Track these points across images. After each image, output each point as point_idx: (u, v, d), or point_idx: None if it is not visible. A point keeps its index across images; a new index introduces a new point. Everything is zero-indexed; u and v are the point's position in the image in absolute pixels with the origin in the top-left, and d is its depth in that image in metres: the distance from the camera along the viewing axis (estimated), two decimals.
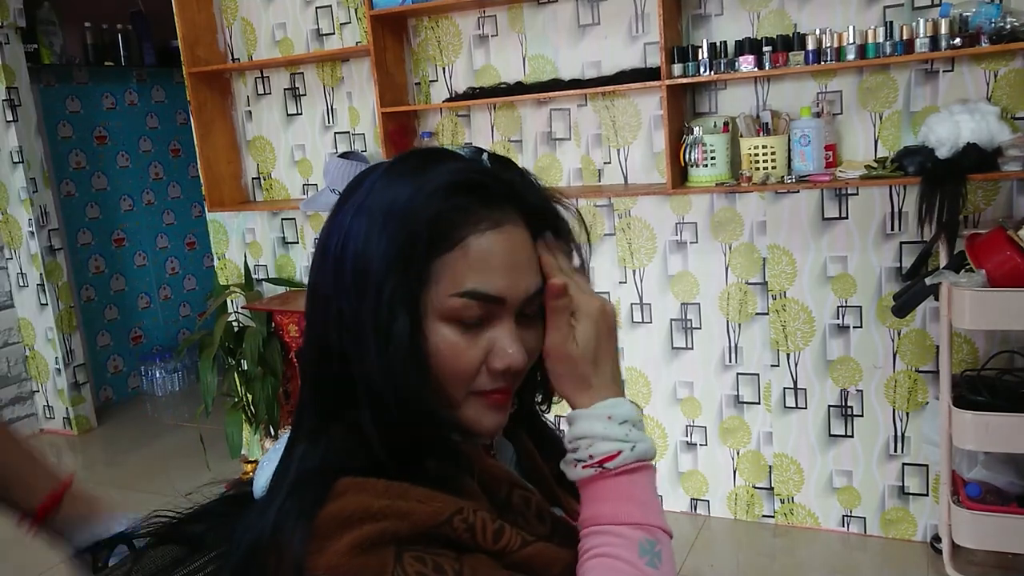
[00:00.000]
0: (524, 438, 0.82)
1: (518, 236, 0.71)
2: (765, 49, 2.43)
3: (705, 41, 2.51)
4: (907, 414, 2.69)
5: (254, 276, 3.61)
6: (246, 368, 3.28)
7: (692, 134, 2.59)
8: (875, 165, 2.43)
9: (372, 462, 0.67)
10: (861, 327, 2.69)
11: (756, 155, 2.53)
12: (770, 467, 2.92)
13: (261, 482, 0.72)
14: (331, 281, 0.69)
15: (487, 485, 0.70)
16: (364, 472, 0.66)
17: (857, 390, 2.74)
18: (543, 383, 0.80)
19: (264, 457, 0.75)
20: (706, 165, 2.58)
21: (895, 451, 2.73)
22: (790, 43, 2.42)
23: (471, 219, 0.68)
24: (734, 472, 2.97)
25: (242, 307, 3.45)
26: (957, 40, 2.20)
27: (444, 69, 3.07)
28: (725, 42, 2.55)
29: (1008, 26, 2.15)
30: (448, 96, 3.05)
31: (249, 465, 3.48)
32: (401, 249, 0.66)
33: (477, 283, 0.68)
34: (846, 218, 2.63)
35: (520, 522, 0.69)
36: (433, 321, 0.68)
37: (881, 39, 2.31)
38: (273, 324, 3.32)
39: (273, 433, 3.31)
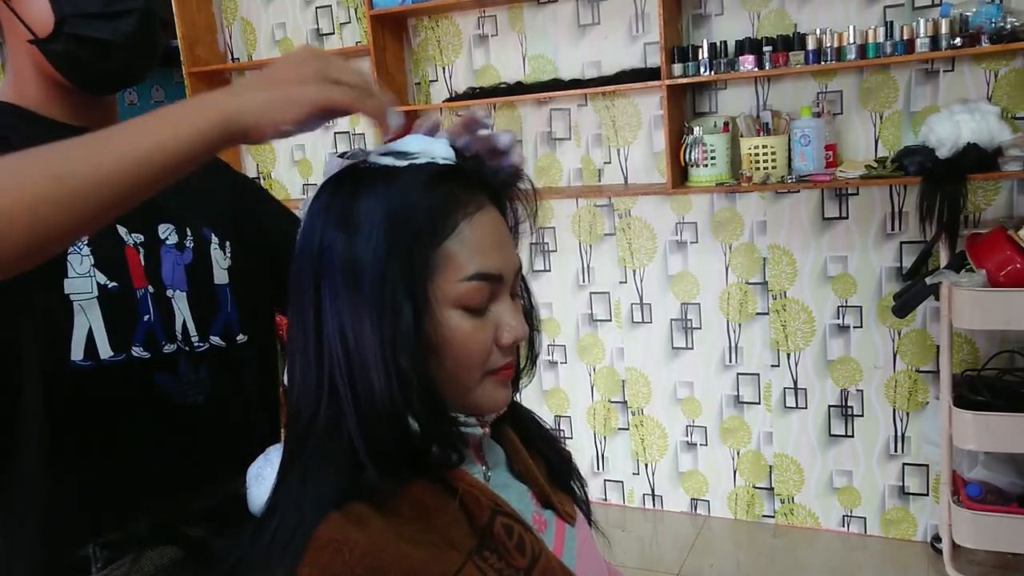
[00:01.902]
0: (512, 438, 0.82)
1: (496, 215, 0.74)
2: (765, 49, 2.43)
3: (705, 41, 2.51)
4: (907, 414, 2.69)
5: None
6: None
7: (692, 134, 2.58)
8: (875, 165, 2.42)
9: (357, 483, 0.66)
10: (861, 327, 2.69)
11: (756, 155, 2.53)
12: (770, 467, 2.91)
13: (255, 497, 0.72)
14: (318, 298, 0.69)
15: (469, 509, 0.70)
16: (350, 492, 0.66)
17: (857, 390, 2.74)
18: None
19: (254, 466, 0.74)
20: (706, 165, 2.58)
21: (895, 451, 2.73)
22: (790, 43, 2.41)
23: (458, 205, 0.70)
24: (734, 472, 2.97)
25: None
26: (957, 40, 2.20)
27: (444, 69, 3.07)
28: (725, 42, 2.55)
29: (1008, 26, 2.15)
30: (448, 96, 3.05)
31: None
32: (407, 245, 0.67)
33: (480, 265, 0.70)
34: (846, 218, 2.63)
35: (500, 551, 0.69)
36: (444, 310, 0.69)
37: (881, 39, 2.31)
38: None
39: None
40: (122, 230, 0.92)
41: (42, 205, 0.61)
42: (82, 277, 0.87)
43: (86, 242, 0.88)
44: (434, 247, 0.68)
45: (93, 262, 0.88)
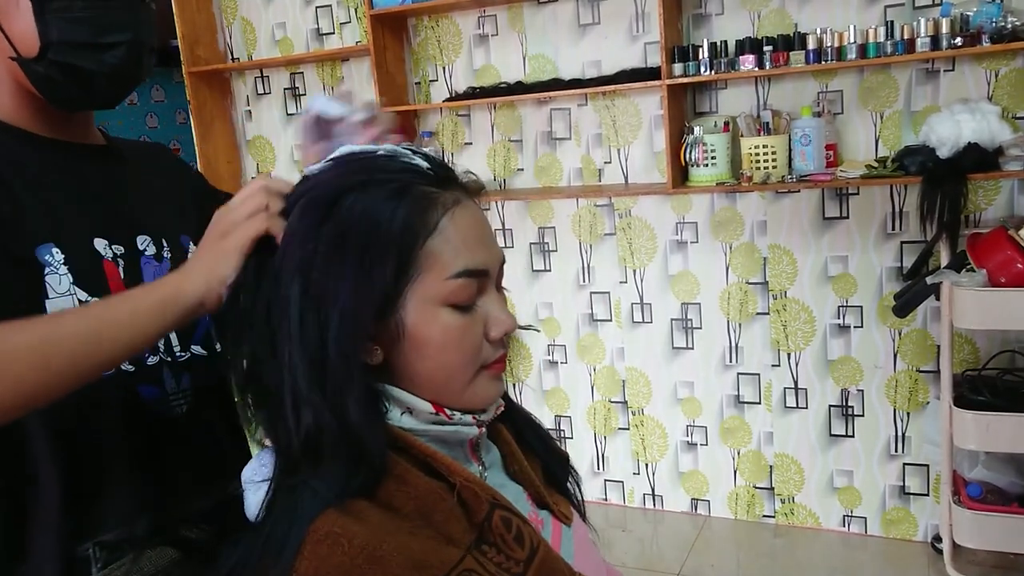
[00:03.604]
0: (508, 439, 0.82)
1: (475, 208, 0.73)
2: (766, 48, 2.42)
3: (706, 41, 2.51)
4: (908, 414, 2.69)
5: None
6: None
7: (693, 134, 2.58)
8: (876, 165, 2.42)
9: (353, 481, 0.66)
10: (862, 327, 2.68)
11: (757, 155, 2.52)
12: (771, 467, 2.91)
13: (248, 502, 0.72)
14: (303, 306, 0.68)
15: (467, 504, 0.69)
16: (346, 490, 0.65)
17: (858, 390, 2.73)
18: None
19: (247, 470, 0.74)
20: (707, 165, 2.58)
21: (896, 451, 2.73)
22: (791, 42, 2.41)
23: (438, 203, 0.70)
24: (735, 472, 2.97)
25: None
26: (958, 40, 2.20)
27: (444, 69, 3.07)
28: (726, 41, 2.55)
29: (1009, 25, 2.15)
30: (448, 96, 3.05)
31: None
32: (400, 249, 0.67)
33: (467, 261, 0.69)
34: (847, 218, 2.63)
35: (499, 544, 0.69)
36: (434, 309, 0.69)
37: (882, 38, 2.31)
38: None
39: None
40: (100, 244, 0.92)
41: (30, 388, 0.72)
42: (63, 296, 0.87)
43: (63, 261, 0.88)
44: (419, 248, 0.68)
45: (72, 280, 0.88)
